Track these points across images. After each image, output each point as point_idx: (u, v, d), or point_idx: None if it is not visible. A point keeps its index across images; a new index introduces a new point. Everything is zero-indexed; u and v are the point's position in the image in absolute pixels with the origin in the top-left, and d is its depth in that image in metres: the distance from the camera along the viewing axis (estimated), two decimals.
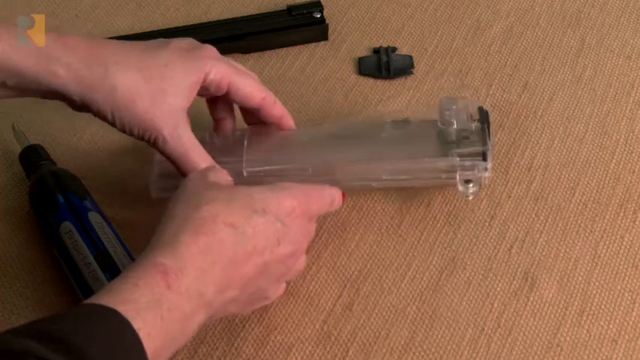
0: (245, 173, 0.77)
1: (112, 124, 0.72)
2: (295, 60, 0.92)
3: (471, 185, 0.76)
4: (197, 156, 0.73)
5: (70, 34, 0.92)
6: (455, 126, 0.77)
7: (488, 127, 0.77)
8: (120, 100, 0.71)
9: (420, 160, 0.77)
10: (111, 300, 0.59)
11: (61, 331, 0.56)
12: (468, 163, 0.76)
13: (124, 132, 0.72)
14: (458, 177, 0.76)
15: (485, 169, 0.76)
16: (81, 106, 0.72)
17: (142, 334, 0.58)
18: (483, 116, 0.77)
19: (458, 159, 0.76)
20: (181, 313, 0.62)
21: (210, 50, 0.76)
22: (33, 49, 0.70)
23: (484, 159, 0.76)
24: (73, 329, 0.57)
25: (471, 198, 0.77)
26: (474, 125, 0.77)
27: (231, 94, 0.76)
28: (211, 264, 0.64)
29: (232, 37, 0.93)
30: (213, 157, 0.75)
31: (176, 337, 0.62)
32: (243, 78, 0.76)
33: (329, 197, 0.73)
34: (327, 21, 0.94)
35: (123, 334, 0.58)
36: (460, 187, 0.76)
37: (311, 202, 0.71)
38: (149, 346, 0.59)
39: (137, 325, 0.58)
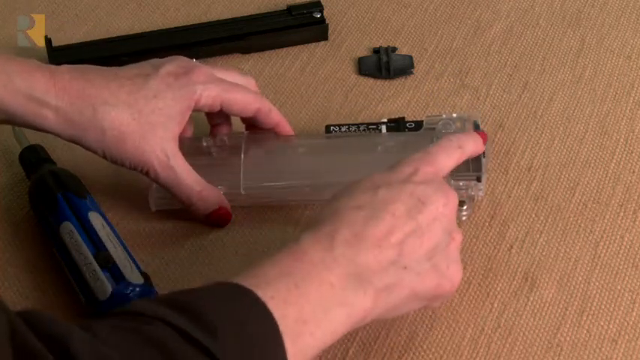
0: (243, 192, 0.78)
1: (103, 158, 0.74)
2: (295, 60, 0.92)
3: (464, 208, 0.77)
4: (190, 182, 0.75)
5: (69, 34, 0.94)
6: None
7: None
8: (109, 140, 0.73)
9: None
10: (241, 278, 0.60)
11: (192, 302, 0.57)
12: (462, 184, 0.77)
13: (116, 164, 0.74)
14: None
15: (480, 189, 0.78)
16: (70, 142, 0.74)
17: (277, 302, 0.58)
18: None
19: (452, 181, 0.77)
20: (322, 282, 0.61)
21: (200, 73, 0.76)
22: (23, 90, 0.72)
23: (478, 180, 0.77)
24: (203, 302, 0.57)
25: (464, 219, 0.78)
26: None
27: (225, 110, 0.77)
28: (341, 241, 0.63)
29: (232, 37, 0.93)
30: (210, 173, 0.77)
31: (327, 306, 0.61)
32: (235, 94, 0.76)
33: (455, 143, 0.72)
34: (327, 21, 0.94)
35: (254, 311, 0.58)
36: None
37: (433, 156, 0.70)
38: (290, 311, 0.59)
39: (270, 293, 0.59)
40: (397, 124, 0.83)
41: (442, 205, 0.67)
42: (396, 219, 0.65)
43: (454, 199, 0.68)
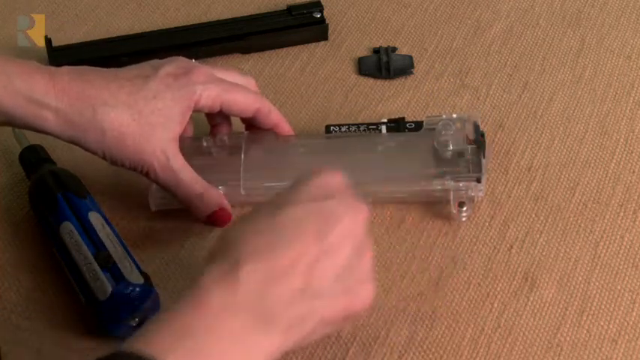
0: (243, 192, 0.78)
1: (103, 159, 0.74)
2: (295, 60, 0.92)
3: (464, 209, 0.77)
4: (190, 183, 0.75)
5: (70, 34, 0.94)
6: (451, 147, 0.78)
7: (484, 147, 0.78)
8: (109, 141, 0.73)
9: (415, 182, 0.78)
10: (142, 343, 0.56)
11: None
12: (462, 185, 0.77)
13: (116, 165, 0.74)
14: (452, 199, 0.78)
15: (479, 190, 0.78)
16: (70, 143, 0.74)
17: None
18: (478, 138, 0.78)
19: (452, 182, 0.77)
20: (225, 333, 0.57)
21: (200, 73, 0.76)
22: (23, 91, 0.72)
23: (478, 181, 0.77)
24: None
25: (464, 220, 0.78)
26: (470, 148, 0.78)
27: (225, 111, 0.77)
28: (247, 272, 0.58)
29: (232, 37, 0.93)
30: (210, 174, 0.77)
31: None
32: (234, 94, 0.77)
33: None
34: (327, 21, 0.94)
35: None
36: (454, 210, 0.78)
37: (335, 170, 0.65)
38: None
39: None
40: (397, 125, 0.83)
41: (352, 222, 0.62)
42: (303, 243, 0.60)
43: (363, 213, 0.63)
